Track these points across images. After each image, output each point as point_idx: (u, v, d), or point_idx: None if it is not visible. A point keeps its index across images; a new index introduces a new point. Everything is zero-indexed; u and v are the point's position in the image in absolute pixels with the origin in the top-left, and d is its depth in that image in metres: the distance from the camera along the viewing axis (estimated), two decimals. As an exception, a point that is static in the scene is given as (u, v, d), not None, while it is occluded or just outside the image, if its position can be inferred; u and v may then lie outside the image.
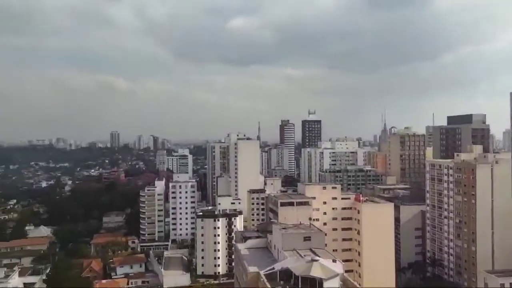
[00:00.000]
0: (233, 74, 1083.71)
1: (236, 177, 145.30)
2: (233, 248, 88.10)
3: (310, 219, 66.07)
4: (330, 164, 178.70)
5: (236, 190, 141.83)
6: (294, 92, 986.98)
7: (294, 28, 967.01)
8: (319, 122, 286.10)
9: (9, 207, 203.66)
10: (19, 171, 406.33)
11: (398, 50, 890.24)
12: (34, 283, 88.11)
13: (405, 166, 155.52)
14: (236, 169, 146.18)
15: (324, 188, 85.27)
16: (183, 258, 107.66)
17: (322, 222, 78.23)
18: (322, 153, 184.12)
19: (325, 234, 56.26)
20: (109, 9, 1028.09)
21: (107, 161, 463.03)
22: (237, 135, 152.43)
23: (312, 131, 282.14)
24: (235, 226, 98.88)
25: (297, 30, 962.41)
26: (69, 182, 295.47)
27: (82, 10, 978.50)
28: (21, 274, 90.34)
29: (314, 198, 79.68)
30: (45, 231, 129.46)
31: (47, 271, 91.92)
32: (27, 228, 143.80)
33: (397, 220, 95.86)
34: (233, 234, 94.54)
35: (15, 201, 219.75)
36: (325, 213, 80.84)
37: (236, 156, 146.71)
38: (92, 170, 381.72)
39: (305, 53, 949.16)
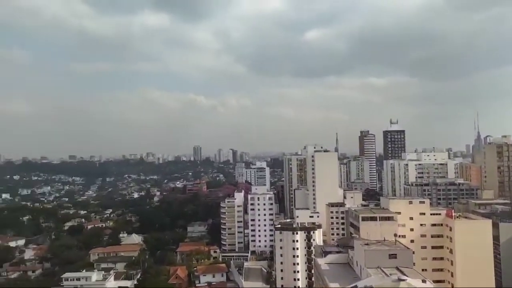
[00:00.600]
0: (308, 86, 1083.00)
1: (313, 189, 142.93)
2: (312, 262, 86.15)
3: (395, 235, 62.01)
4: (416, 177, 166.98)
5: (314, 203, 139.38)
6: (373, 101, 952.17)
7: (372, 35, 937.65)
8: (402, 132, 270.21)
9: (106, 216, 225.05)
10: (114, 183, 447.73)
11: (490, 52, 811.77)
12: (127, 287, 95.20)
13: (504, 179, 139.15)
14: (313, 181, 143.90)
15: (411, 202, 79.73)
16: (262, 270, 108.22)
17: (409, 239, 72.97)
18: (407, 165, 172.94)
19: (413, 252, 52.26)
20: (192, 33, 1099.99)
21: (190, 173, 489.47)
22: (314, 147, 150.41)
23: (394, 142, 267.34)
24: (314, 240, 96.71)
25: (374, 38, 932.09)
26: (158, 193, 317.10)
27: (168, 35, 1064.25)
28: (116, 278, 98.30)
29: (399, 213, 74.85)
30: (136, 238, 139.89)
31: (138, 276, 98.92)
32: (121, 235, 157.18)
33: (495, 239, 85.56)
34: (312, 248, 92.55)
35: (111, 210, 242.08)
36: (412, 230, 75.37)
37: (313, 169, 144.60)
38: (178, 182, 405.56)
39: (384, 61, 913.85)
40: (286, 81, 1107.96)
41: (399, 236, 67.95)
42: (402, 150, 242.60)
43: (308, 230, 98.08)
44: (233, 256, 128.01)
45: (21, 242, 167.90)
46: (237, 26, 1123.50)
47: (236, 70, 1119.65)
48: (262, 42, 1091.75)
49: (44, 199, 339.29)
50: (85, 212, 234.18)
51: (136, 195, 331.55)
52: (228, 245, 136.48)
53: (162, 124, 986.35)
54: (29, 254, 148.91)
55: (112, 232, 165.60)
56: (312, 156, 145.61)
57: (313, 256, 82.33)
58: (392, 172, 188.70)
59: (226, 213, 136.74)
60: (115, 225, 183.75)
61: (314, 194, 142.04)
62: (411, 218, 75.61)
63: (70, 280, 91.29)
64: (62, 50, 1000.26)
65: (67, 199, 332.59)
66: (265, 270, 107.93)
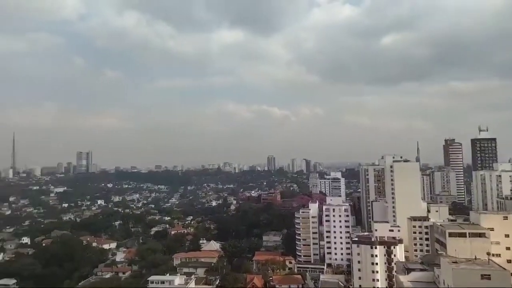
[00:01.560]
0: (385, 94, 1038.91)
1: (393, 202, 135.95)
2: (393, 279, 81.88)
3: (488, 254, 56.54)
4: (511, 190, 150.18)
5: (394, 216, 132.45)
6: (457, 108, 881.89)
7: (453, 38, 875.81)
8: (493, 140, 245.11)
9: (187, 222, 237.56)
10: (194, 191, 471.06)
11: None
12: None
13: None
14: (392, 193, 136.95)
15: (506, 218, 72.14)
16: (339, 284, 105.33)
17: (505, 259, 66.03)
18: (500, 176, 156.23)
19: (511, 274, 47.21)
20: (264, 46, 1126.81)
21: (265, 183, 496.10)
22: (393, 157, 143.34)
23: (484, 151, 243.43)
24: (395, 255, 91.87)
25: (456, 40, 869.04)
26: (234, 202, 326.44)
27: (243, 50, 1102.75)
28: (196, 282, 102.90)
29: (492, 229, 68.17)
30: (215, 245, 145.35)
31: (217, 282, 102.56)
32: (200, 241, 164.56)
33: None
34: (393, 264, 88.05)
35: (191, 217, 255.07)
36: (508, 249, 68.02)
37: (392, 180, 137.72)
38: (253, 192, 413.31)
39: (468, 65, 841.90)
40: (361, 89, 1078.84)
41: (493, 255, 61.76)
42: (494, 160, 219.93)
43: (388, 244, 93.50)
44: (308, 268, 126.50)
45: (113, 245, 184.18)
46: (308, 36, 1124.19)
47: (309, 79, 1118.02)
48: (335, 51, 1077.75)
49: (133, 205, 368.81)
50: (169, 218, 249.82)
51: (214, 203, 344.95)
52: (303, 256, 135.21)
53: (237, 135, 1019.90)
54: (120, 256, 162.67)
55: (193, 238, 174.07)
56: (391, 167, 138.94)
57: (394, 273, 78.31)
58: (482, 184, 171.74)
59: (301, 224, 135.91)
60: (195, 232, 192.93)
61: (393, 207, 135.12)
62: (507, 236, 68.30)
63: (156, 283, 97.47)
64: (148, 68, 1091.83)
65: (153, 205, 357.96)
66: (342, 285, 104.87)
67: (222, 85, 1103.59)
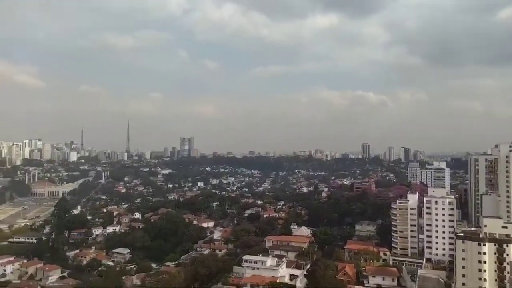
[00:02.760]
0: (501, 76, 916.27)
1: (508, 196, 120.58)
2: (505, 280, 73.46)
3: None
4: None
5: (508, 212, 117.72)
6: None
7: None
8: None
9: (278, 207, 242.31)
10: (286, 177, 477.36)
11: None
12: (297, 276, 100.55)
13: None
14: (508, 186, 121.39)
15: None
16: (439, 280, 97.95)
17: None
18: None
19: None
20: (360, 28, 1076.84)
21: (358, 171, 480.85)
22: (510, 146, 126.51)
23: None
24: (508, 255, 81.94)
25: None
26: (325, 189, 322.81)
27: (337, 34, 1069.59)
28: (287, 265, 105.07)
29: None
30: (306, 231, 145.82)
31: (307, 267, 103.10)
32: (291, 226, 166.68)
33: None
34: (505, 264, 78.70)
35: (283, 202, 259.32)
36: None
37: (508, 172, 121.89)
38: (345, 180, 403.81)
39: None
40: (471, 71, 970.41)
41: None
42: None
43: (500, 242, 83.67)
44: (405, 261, 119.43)
45: (211, 224, 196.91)
46: (410, 14, 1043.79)
47: (410, 62, 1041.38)
48: (441, 29, 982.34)
49: (229, 188, 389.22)
50: (262, 202, 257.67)
51: (305, 190, 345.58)
52: (400, 249, 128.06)
53: (330, 122, 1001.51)
54: (217, 235, 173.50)
55: (284, 222, 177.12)
56: (507, 157, 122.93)
57: (506, 274, 70.05)
58: None
59: (398, 215, 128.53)
60: (286, 216, 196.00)
61: (508, 202, 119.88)
62: None
63: (249, 262, 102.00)
64: (243, 58, 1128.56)
65: (246, 189, 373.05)
66: (443, 281, 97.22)
67: (316, 71, 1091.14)
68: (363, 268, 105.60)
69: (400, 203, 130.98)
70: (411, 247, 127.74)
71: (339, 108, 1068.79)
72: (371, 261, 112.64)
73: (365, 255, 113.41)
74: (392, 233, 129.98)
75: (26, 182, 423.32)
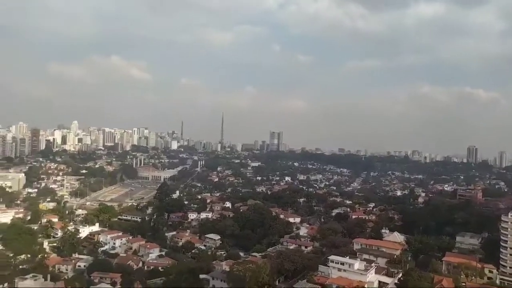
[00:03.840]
0: None
1: None
2: None
3: None
4: None
5: None
6: None
7: None
8: None
9: (369, 209, 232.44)
10: (378, 178, 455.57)
11: None
12: (387, 284, 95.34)
13: None
14: None
15: None
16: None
17: None
18: None
19: None
20: (471, 18, 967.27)
21: (462, 177, 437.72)
22: None
23: None
24: None
25: None
26: (422, 194, 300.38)
27: (443, 25, 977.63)
28: (376, 271, 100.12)
29: None
30: (398, 237, 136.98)
31: (399, 276, 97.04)
32: (382, 231, 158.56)
33: None
34: None
35: (373, 204, 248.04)
36: None
37: None
38: (446, 185, 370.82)
39: None
40: None
41: None
42: None
43: None
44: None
45: (298, 219, 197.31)
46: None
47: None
48: None
49: (316, 185, 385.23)
50: (350, 202, 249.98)
51: (399, 193, 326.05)
52: (510, 267, 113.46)
53: (431, 121, 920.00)
54: (303, 231, 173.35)
55: (374, 225, 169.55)
56: None
57: None
58: None
59: (509, 229, 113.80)
60: (377, 220, 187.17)
61: None
62: None
63: (335, 262, 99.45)
64: (337, 51, 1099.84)
65: (334, 188, 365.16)
66: None
67: (417, 65, 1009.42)
68: (463, 284, 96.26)
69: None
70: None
71: (442, 106, 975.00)
72: (473, 278, 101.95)
73: (466, 270, 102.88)
74: (501, 249, 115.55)
75: (134, 166, 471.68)
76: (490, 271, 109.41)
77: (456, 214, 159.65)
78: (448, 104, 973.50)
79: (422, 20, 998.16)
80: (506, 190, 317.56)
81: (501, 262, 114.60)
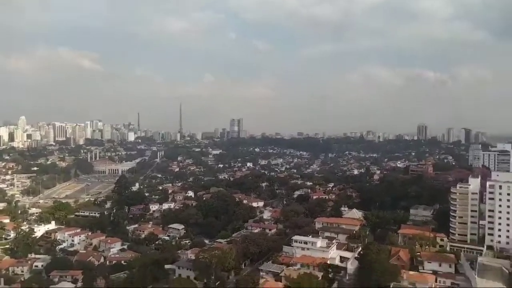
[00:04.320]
0: None
1: None
2: None
3: None
4: None
5: None
6: None
7: None
8: None
9: (328, 188, 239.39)
10: (335, 159, 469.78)
11: None
12: (348, 258, 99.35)
13: None
14: None
15: None
16: (503, 269, 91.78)
17: None
18: None
19: None
20: (419, 2, 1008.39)
21: (413, 153, 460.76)
22: None
23: None
24: None
25: None
26: (377, 172, 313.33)
27: (391, 8, 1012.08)
28: (338, 247, 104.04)
29: None
30: (357, 214, 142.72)
31: (359, 250, 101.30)
32: (342, 209, 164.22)
33: None
34: None
35: (332, 184, 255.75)
36: None
37: None
38: (399, 162, 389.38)
39: None
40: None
41: None
42: None
43: None
44: (463, 247, 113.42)
45: (261, 204, 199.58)
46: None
47: (474, 38, 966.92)
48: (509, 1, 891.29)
49: (277, 169, 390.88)
50: (311, 183, 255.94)
51: (356, 172, 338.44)
52: (458, 235, 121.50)
53: (383, 102, 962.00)
54: (266, 214, 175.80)
55: (334, 204, 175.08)
56: None
57: None
58: None
59: (458, 200, 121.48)
60: (336, 199, 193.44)
61: None
62: None
63: (299, 242, 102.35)
64: (293, 37, 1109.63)
65: (295, 170, 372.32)
66: (507, 271, 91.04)
67: (368, 49, 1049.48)
68: (418, 253, 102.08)
69: (460, 187, 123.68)
70: (471, 234, 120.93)
71: (394, 88, 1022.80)
72: (427, 247, 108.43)
73: (420, 241, 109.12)
74: (451, 219, 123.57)
75: (89, 160, 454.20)
76: (441, 240, 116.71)
77: (409, 188, 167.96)
78: (399, 85, 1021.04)
79: (372, 5, 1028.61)
80: (454, 163, 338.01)
81: (450, 231, 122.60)
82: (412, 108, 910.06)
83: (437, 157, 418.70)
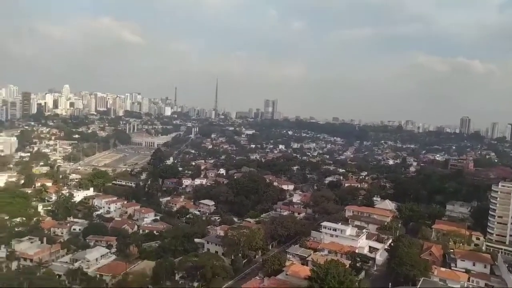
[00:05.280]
0: None
1: None
2: None
3: None
4: None
5: None
6: None
7: None
8: None
9: (361, 177, 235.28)
10: (371, 147, 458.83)
11: None
12: (377, 249, 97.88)
13: None
14: None
15: None
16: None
17: None
18: None
19: None
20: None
21: (454, 147, 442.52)
22: None
23: None
24: None
25: None
26: (414, 163, 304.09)
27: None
28: (367, 237, 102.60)
29: None
30: (390, 205, 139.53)
31: (389, 242, 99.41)
32: (374, 198, 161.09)
33: None
34: None
35: (366, 173, 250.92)
36: None
37: None
38: (438, 155, 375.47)
39: None
40: None
41: None
42: None
43: None
44: (501, 249, 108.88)
45: (291, 187, 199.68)
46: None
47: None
48: None
49: (309, 153, 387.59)
50: (343, 170, 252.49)
51: (391, 162, 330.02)
52: (496, 235, 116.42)
53: (426, 91, 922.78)
54: (296, 198, 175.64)
55: (366, 193, 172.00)
56: None
57: None
58: None
59: (499, 199, 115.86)
60: (369, 188, 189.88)
61: None
62: None
63: (328, 228, 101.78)
64: (332, 17, 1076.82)
65: (328, 156, 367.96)
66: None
67: (413, 35, 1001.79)
68: (452, 250, 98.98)
69: (503, 185, 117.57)
70: (510, 235, 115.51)
71: (438, 76, 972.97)
72: (461, 244, 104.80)
73: (455, 237, 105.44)
74: (489, 218, 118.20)
75: (127, 131, 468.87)
76: (477, 238, 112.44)
77: (447, 183, 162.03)
78: (442, 75, 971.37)
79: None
80: (496, 160, 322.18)
81: (488, 230, 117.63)
82: (456, 99, 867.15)
83: (479, 152, 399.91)
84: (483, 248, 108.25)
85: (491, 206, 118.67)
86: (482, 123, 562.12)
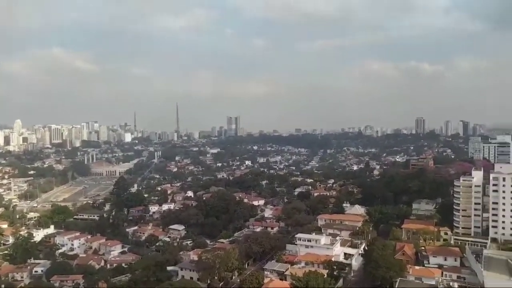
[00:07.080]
0: None
1: None
2: None
3: None
4: None
5: None
6: None
7: None
8: None
9: (329, 185, 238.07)
10: (334, 155, 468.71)
11: None
12: (352, 255, 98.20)
13: None
14: None
15: None
16: (508, 262, 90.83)
17: None
18: None
19: None
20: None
21: (412, 147, 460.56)
22: None
23: None
24: None
25: None
26: (377, 167, 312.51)
27: (387, 1, 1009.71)
28: (342, 244, 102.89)
29: None
30: (359, 210, 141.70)
31: (363, 246, 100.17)
32: (344, 205, 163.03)
33: None
34: None
35: (333, 180, 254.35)
36: None
37: None
38: (397, 156, 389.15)
39: None
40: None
41: None
42: None
43: None
44: (468, 241, 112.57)
45: (262, 202, 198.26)
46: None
47: (470, 28, 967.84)
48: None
49: (276, 166, 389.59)
50: (311, 180, 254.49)
51: (355, 167, 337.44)
52: (462, 228, 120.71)
53: (381, 96, 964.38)
54: (268, 213, 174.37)
55: (336, 201, 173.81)
56: None
57: None
58: None
59: (461, 193, 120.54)
60: (338, 195, 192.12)
61: None
62: None
63: (302, 240, 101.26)
64: (291, 33, 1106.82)
65: (294, 167, 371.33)
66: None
67: (366, 43, 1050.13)
68: (423, 248, 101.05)
69: (464, 180, 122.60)
70: (475, 227, 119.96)
71: (391, 81, 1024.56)
72: (431, 241, 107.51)
73: (424, 235, 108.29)
74: (454, 212, 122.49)
75: (86, 162, 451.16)
76: (445, 233, 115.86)
77: (410, 183, 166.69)
78: (396, 79, 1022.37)
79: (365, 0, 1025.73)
80: (453, 156, 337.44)
81: (454, 224, 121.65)
82: (410, 102, 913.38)
83: (436, 150, 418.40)
84: (452, 242, 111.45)
85: (455, 201, 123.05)
86: (436, 122, 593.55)
